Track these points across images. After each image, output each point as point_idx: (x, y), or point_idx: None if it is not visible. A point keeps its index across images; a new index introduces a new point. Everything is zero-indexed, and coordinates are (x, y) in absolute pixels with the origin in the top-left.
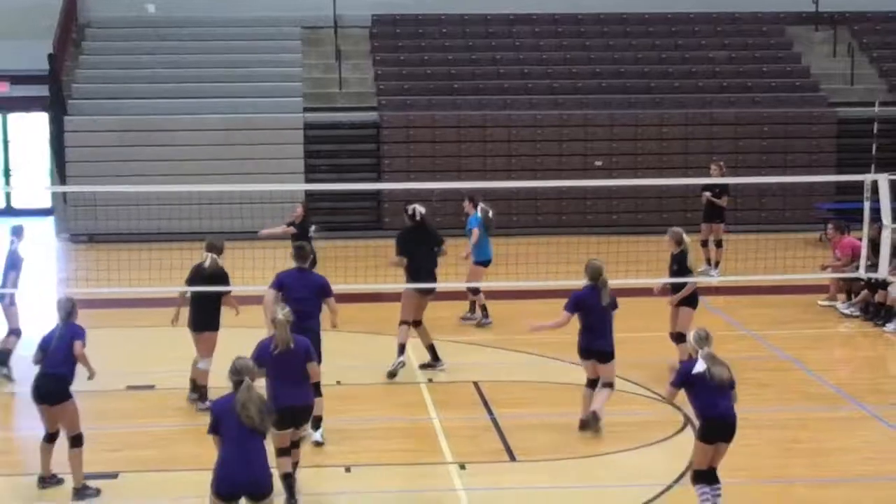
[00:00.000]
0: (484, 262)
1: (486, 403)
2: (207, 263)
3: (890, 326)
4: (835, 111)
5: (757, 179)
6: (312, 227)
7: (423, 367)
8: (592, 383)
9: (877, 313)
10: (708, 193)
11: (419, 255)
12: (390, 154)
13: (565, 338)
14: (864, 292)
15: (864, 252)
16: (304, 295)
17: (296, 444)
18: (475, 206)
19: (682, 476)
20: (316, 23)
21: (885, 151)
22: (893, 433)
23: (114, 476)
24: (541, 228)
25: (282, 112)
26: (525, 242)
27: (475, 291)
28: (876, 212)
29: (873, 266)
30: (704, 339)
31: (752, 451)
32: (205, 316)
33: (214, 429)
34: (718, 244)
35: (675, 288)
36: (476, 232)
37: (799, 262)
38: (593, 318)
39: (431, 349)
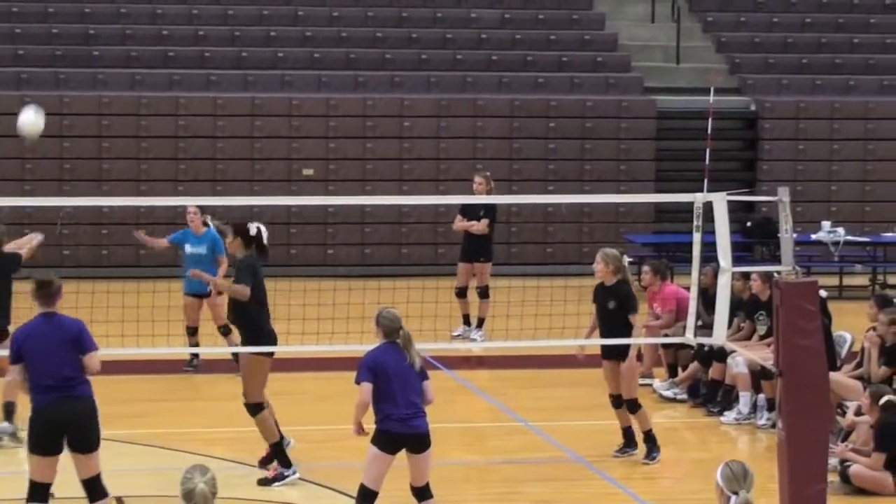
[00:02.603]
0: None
1: None
2: None
3: (729, 415)
4: (653, 100)
5: (540, 199)
6: None
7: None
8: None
9: (711, 396)
10: (464, 220)
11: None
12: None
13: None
14: (693, 366)
15: (692, 307)
16: None
17: None
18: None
19: None
20: None
21: (724, 160)
22: None
23: None
24: None
25: None
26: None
27: None
28: (710, 247)
29: (706, 328)
30: (742, 477)
31: None
32: None
33: None
34: (483, 293)
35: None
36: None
37: None
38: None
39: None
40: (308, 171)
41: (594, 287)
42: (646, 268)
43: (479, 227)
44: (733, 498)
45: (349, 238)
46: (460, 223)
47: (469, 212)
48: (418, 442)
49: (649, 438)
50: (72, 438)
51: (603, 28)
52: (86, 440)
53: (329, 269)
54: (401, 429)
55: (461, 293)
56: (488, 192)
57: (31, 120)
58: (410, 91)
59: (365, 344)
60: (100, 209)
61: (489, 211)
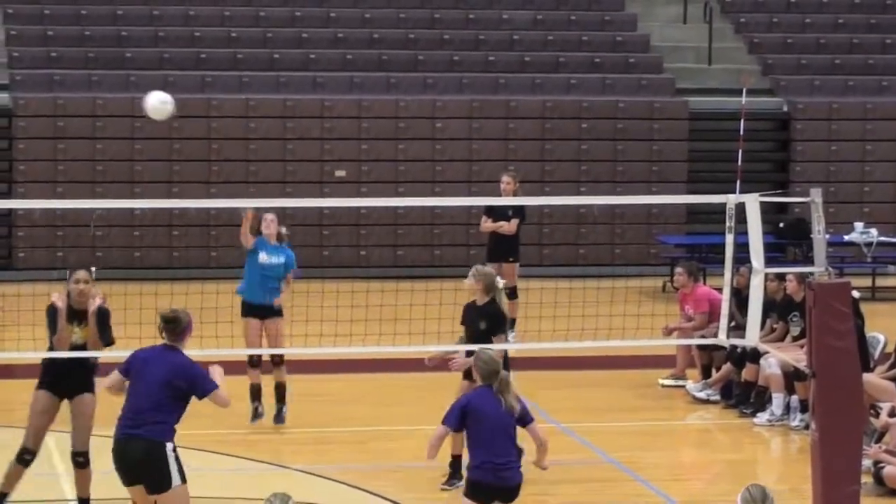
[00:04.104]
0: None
1: None
2: None
3: (762, 417)
4: (685, 101)
5: (571, 200)
6: None
7: None
8: None
9: (744, 398)
10: (490, 220)
11: None
12: (28, 155)
13: None
14: (726, 367)
15: (725, 308)
16: None
17: None
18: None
19: None
20: None
21: (756, 161)
22: None
23: None
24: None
25: None
26: (229, 290)
27: None
28: (742, 249)
29: (739, 329)
30: (761, 501)
31: None
32: None
33: None
34: (512, 293)
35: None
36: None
37: (632, 321)
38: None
39: None
40: (340, 173)
41: (464, 306)
42: (679, 269)
43: (509, 227)
44: None
45: (382, 240)
46: (488, 224)
47: (497, 212)
48: (508, 494)
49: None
50: (141, 477)
51: (635, 29)
52: (153, 481)
53: (361, 271)
54: (491, 479)
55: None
56: (515, 192)
57: (156, 105)
58: (443, 92)
59: (398, 345)
60: (132, 211)
61: (518, 211)
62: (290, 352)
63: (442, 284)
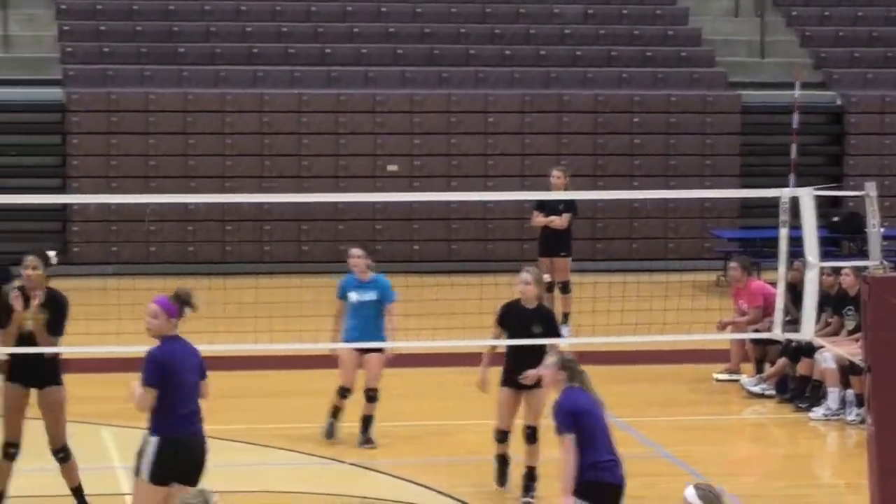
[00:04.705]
0: None
1: None
2: None
3: (818, 411)
4: (737, 95)
5: (623, 194)
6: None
7: None
8: None
9: (799, 392)
10: (541, 215)
11: None
12: (81, 151)
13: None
14: (781, 361)
15: (780, 303)
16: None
17: None
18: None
19: None
20: None
21: (810, 155)
22: None
23: None
24: (306, 264)
25: None
26: (283, 284)
27: None
28: (796, 243)
29: (793, 323)
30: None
31: None
32: None
33: None
34: (565, 288)
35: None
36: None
37: (686, 315)
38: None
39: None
40: (393, 168)
41: (505, 307)
42: (733, 263)
43: (561, 221)
44: None
45: (435, 234)
46: (540, 218)
47: (548, 206)
48: (622, 491)
49: None
50: (193, 474)
51: (687, 23)
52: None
53: (415, 266)
54: (611, 478)
55: (549, 288)
56: (566, 186)
57: None
58: (494, 87)
59: (453, 339)
60: (185, 206)
61: (569, 206)
62: (342, 347)
63: (496, 279)
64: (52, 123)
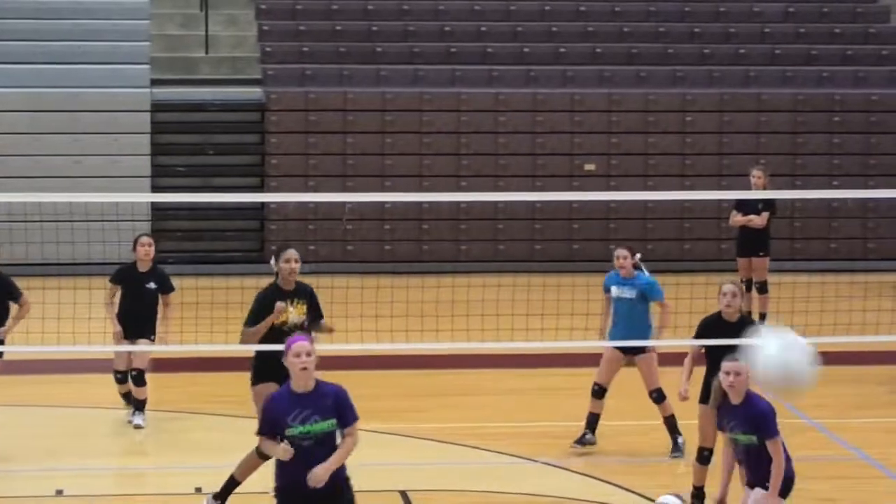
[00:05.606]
0: None
1: None
2: None
3: None
4: None
5: (824, 194)
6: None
7: None
8: None
9: None
10: (740, 214)
11: None
12: (280, 150)
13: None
14: None
15: None
16: None
17: None
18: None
19: None
20: None
21: None
22: None
23: None
24: (502, 263)
25: (116, 86)
26: (480, 283)
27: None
28: None
29: None
30: None
31: None
32: None
33: None
34: (762, 288)
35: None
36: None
37: (886, 316)
38: None
39: None
40: (590, 167)
41: (705, 323)
42: None
43: (759, 220)
44: None
45: (630, 233)
46: (738, 218)
47: (747, 206)
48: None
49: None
50: None
51: (888, 21)
52: None
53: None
54: (792, 472)
55: (747, 287)
56: (765, 186)
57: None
58: (692, 86)
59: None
60: (382, 205)
61: (768, 205)
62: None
63: (693, 279)
64: (252, 123)
